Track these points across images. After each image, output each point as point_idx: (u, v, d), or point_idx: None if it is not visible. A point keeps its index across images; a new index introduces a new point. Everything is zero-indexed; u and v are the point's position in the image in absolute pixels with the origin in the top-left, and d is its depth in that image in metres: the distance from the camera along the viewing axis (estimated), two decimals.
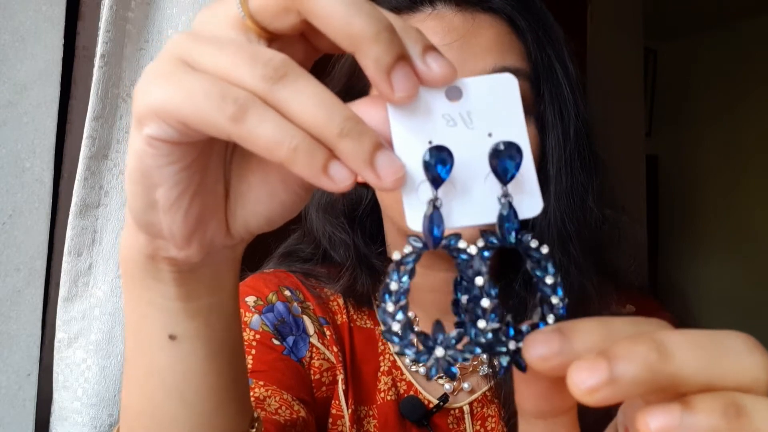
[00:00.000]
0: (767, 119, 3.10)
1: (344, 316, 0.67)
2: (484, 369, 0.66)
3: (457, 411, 0.65)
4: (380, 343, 0.67)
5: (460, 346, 0.27)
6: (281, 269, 0.71)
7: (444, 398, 0.64)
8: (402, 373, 0.66)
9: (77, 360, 0.86)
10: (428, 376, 0.27)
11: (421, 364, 0.27)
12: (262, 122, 0.25)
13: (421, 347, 0.27)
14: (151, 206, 0.29)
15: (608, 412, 0.26)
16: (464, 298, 0.27)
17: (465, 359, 0.27)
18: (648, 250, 2.53)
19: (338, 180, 0.26)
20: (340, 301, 0.68)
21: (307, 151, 0.25)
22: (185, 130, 0.26)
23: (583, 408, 0.23)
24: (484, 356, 0.65)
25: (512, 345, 0.26)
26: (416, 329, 0.26)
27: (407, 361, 0.66)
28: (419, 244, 0.27)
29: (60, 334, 0.86)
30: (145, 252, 0.32)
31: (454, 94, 0.28)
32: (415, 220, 0.27)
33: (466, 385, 0.65)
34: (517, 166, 0.27)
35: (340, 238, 0.68)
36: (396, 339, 0.26)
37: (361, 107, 0.28)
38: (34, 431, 0.87)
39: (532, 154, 0.67)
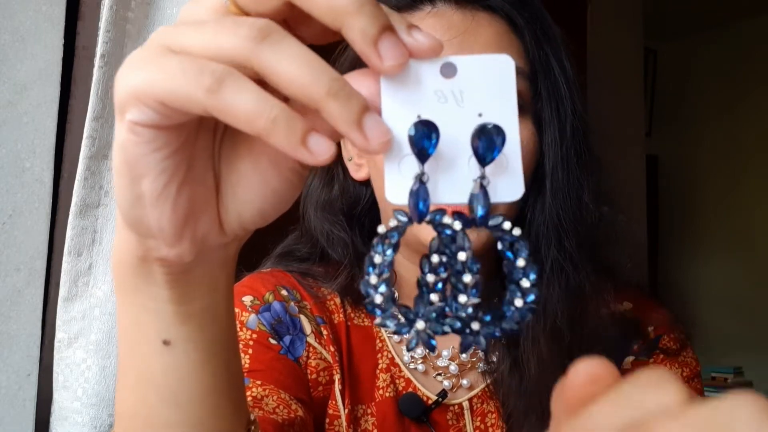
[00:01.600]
0: (767, 119, 3.10)
1: (341, 315, 0.67)
2: (483, 366, 0.66)
3: (456, 407, 0.65)
4: (378, 341, 0.67)
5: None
6: (278, 269, 0.70)
7: (443, 394, 0.64)
8: (400, 370, 0.65)
9: (77, 360, 0.86)
10: (408, 347, 0.28)
11: (402, 336, 0.28)
12: (240, 93, 0.25)
13: (402, 319, 0.27)
14: (137, 199, 0.28)
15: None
16: (430, 277, 0.27)
17: (444, 332, 0.27)
18: (648, 250, 2.54)
19: (317, 152, 0.26)
20: (337, 300, 0.68)
21: (286, 122, 0.25)
22: (165, 110, 0.26)
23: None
24: (482, 354, 0.65)
25: (476, 326, 0.26)
26: (398, 302, 0.27)
27: (405, 356, 0.66)
28: (404, 219, 0.27)
29: (60, 334, 0.86)
30: (137, 253, 0.31)
31: (449, 71, 0.28)
32: (394, 192, 0.27)
33: (465, 382, 0.65)
34: (498, 150, 0.27)
35: (338, 236, 0.68)
36: (378, 311, 0.26)
37: (353, 78, 0.28)
38: (34, 431, 0.87)
39: (529, 152, 0.67)
